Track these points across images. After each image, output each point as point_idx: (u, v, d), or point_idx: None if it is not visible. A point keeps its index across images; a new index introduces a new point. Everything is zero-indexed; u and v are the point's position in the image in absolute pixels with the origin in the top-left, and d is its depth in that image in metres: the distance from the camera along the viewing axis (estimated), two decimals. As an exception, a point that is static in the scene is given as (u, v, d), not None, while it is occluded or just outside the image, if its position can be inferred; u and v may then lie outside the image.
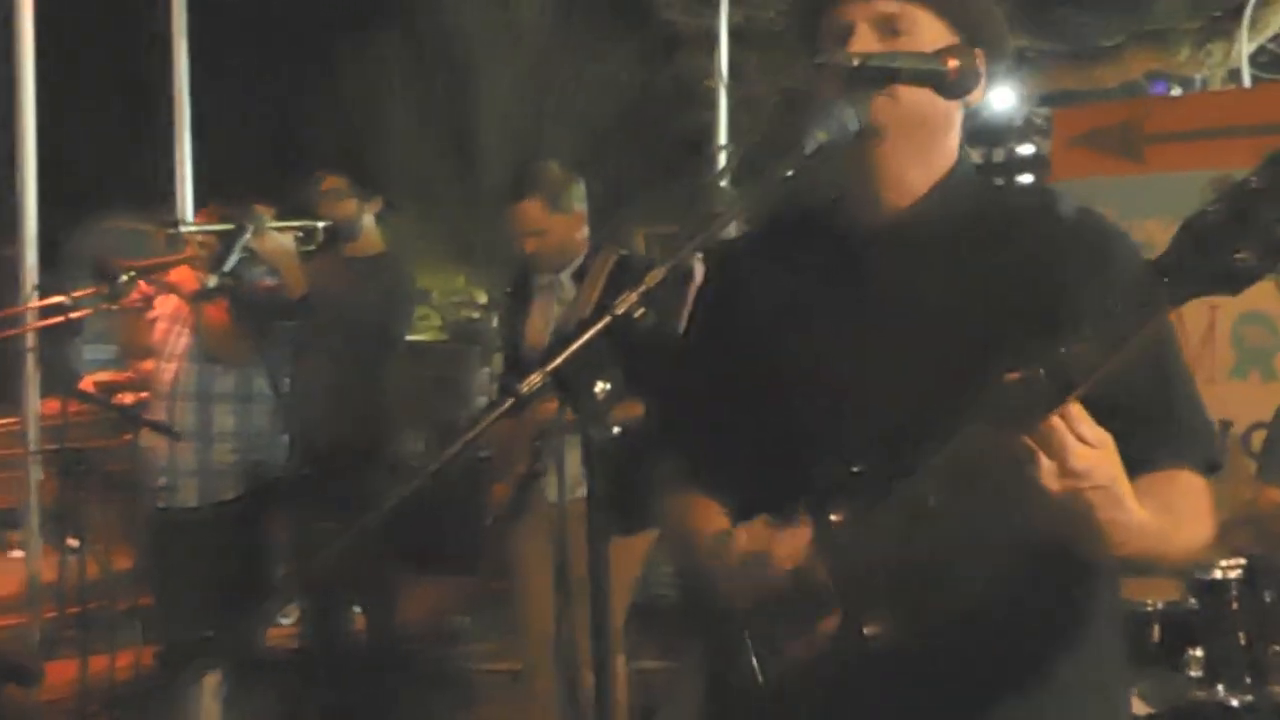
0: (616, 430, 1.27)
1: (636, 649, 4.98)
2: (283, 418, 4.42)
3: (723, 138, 6.85)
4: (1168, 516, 1.42)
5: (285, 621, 5.64)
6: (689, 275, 5.47)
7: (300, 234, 4.29)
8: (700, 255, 5.10)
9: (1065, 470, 1.26)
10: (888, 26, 1.58)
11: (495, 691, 5.17)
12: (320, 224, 4.36)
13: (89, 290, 4.60)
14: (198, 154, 6.37)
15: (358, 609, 4.72)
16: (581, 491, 3.70)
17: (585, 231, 3.98)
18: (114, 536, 4.84)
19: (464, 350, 8.26)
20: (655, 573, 6.02)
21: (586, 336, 1.25)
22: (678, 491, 1.80)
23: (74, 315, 4.72)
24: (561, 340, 1.27)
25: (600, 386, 1.25)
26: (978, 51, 1.62)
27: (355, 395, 4.39)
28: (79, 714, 4.40)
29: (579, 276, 3.90)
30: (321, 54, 13.31)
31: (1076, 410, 1.26)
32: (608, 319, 1.26)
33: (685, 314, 5.30)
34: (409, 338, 9.55)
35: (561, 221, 3.90)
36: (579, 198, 3.97)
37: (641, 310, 1.28)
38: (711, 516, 1.68)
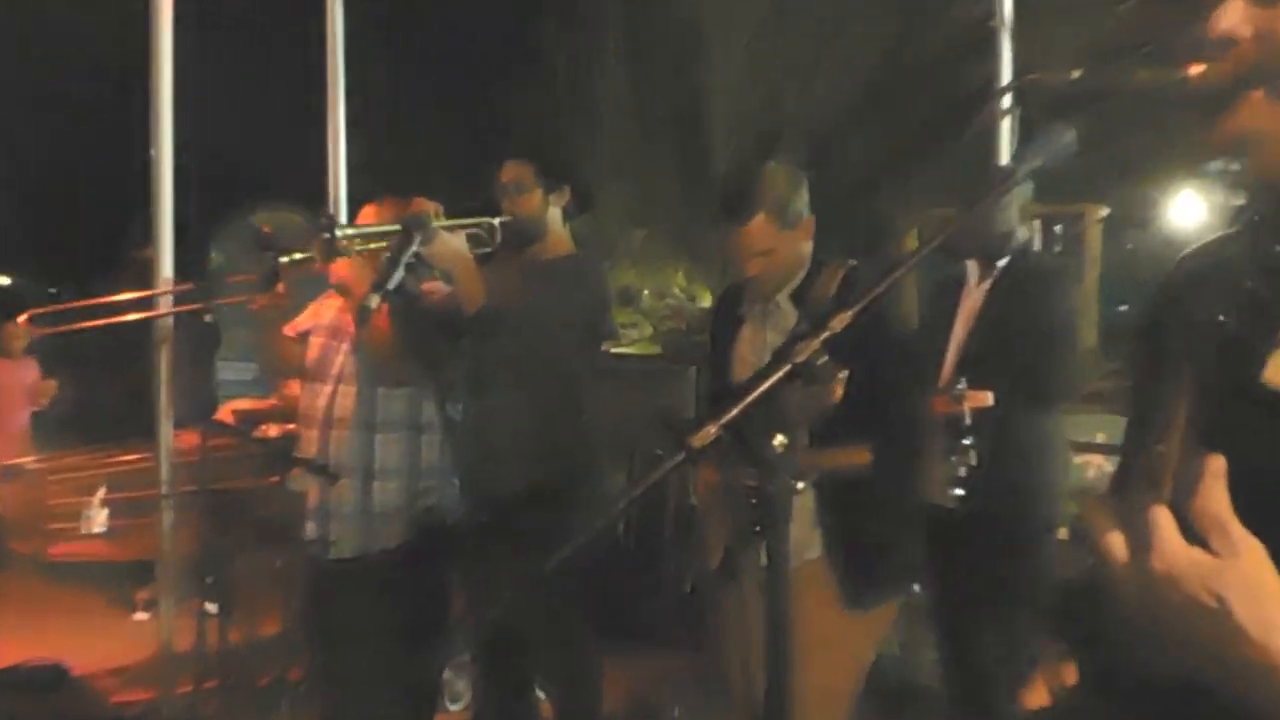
0: (799, 486, 1.44)
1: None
2: (455, 451, 4.55)
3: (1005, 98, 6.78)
4: None
5: (453, 708, 5.85)
6: (960, 281, 5.61)
7: (479, 232, 4.39)
8: (973, 261, 5.19)
9: (1142, 563, 1.27)
10: None
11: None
12: (496, 221, 4.47)
13: (238, 277, 4.71)
14: (371, 148, 6.65)
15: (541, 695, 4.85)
16: (809, 554, 3.87)
17: (810, 244, 4.07)
18: (259, 595, 5.11)
19: (677, 369, 8.35)
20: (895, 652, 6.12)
21: (764, 386, 1.39)
22: None
23: (217, 300, 4.97)
24: (737, 390, 1.40)
25: (779, 439, 1.42)
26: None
27: (541, 425, 4.43)
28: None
29: (797, 297, 4.02)
30: (523, 30, 13.79)
31: (1216, 509, 1.25)
32: (786, 368, 1.40)
33: (959, 319, 5.34)
34: (613, 350, 9.74)
35: (790, 238, 4.00)
36: (805, 201, 4.03)
37: (824, 359, 1.40)
38: None
